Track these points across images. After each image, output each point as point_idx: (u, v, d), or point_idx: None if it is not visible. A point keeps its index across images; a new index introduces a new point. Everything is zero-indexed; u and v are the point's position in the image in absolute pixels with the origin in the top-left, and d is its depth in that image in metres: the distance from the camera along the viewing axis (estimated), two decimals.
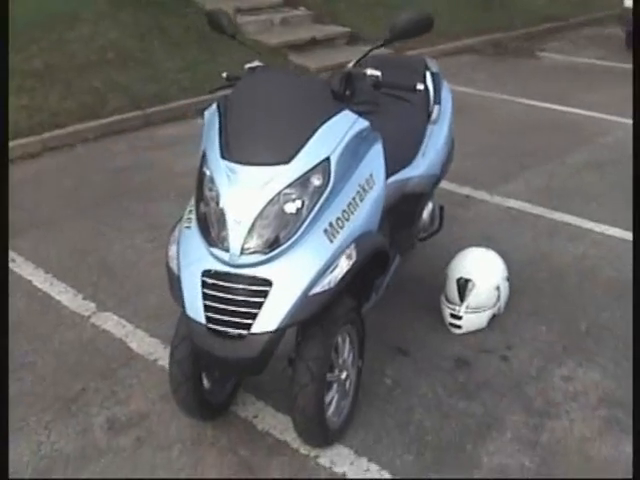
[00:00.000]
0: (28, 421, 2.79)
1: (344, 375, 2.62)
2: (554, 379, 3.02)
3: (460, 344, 3.24)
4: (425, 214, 3.36)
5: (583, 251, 4.07)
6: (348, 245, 2.39)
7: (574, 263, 3.94)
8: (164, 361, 3.01)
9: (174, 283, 2.41)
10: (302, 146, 2.32)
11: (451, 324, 3.33)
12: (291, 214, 2.29)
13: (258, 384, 2.90)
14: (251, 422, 2.77)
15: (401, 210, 3.05)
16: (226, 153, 2.35)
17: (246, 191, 2.29)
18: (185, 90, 6.66)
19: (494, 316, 3.36)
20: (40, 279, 3.79)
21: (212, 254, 2.31)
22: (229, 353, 2.30)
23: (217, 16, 2.80)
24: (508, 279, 3.43)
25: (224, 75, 2.77)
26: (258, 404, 2.85)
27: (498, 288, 3.35)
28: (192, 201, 2.49)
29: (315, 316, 2.32)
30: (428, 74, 3.31)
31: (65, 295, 3.64)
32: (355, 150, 2.49)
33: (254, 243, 2.26)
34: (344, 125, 2.43)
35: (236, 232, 2.26)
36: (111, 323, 3.40)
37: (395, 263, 3.05)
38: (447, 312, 3.33)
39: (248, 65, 2.72)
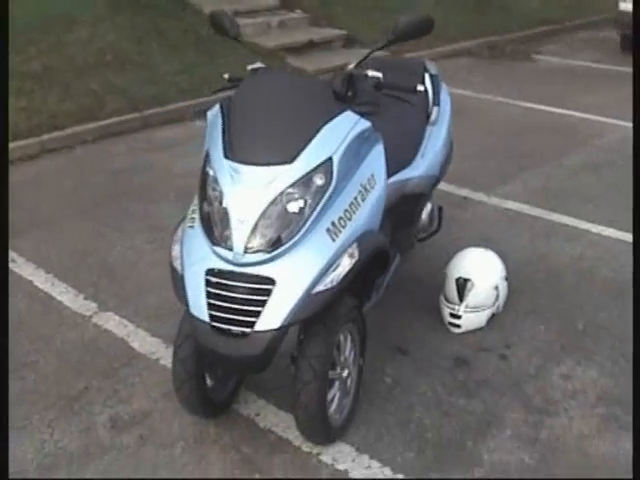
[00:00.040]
0: (31, 419, 2.80)
1: (346, 373, 2.64)
2: (553, 377, 3.05)
3: (459, 343, 3.27)
4: (424, 215, 3.38)
5: (580, 252, 4.10)
6: (350, 244, 2.42)
7: (571, 263, 3.97)
8: (166, 360, 3.03)
9: (178, 282, 2.42)
10: (305, 146, 2.34)
11: (450, 323, 3.35)
12: (294, 213, 2.31)
13: (260, 382, 2.92)
14: (253, 420, 2.79)
15: (401, 210, 3.08)
16: (229, 153, 2.38)
17: (249, 190, 2.31)
18: (183, 92, 6.66)
19: (493, 315, 3.39)
20: (41, 279, 3.80)
21: (216, 253, 2.33)
22: (233, 351, 2.32)
23: (220, 17, 2.79)
24: (507, 279, 3.46)
25: (226, 76, 2.78)
26: (260, 402, 2.87)
27: (497, 288, 3.38)
28: (195, 201, 2.51)
29: (318, 314, 2.35)
30: (427, 76, 3.34)
31: (66, 295, 3.65)
32: (357, 150, 2.51)
33: (257, 242, 2.29)
34: (346, 125, 2.45)
35: (239, 231, 2.29)
36: (113, 323, 3.41)
37: (395, 262, 3.08)
38: (446, 311, 3.36)
39: (250, 66, 2.74)
